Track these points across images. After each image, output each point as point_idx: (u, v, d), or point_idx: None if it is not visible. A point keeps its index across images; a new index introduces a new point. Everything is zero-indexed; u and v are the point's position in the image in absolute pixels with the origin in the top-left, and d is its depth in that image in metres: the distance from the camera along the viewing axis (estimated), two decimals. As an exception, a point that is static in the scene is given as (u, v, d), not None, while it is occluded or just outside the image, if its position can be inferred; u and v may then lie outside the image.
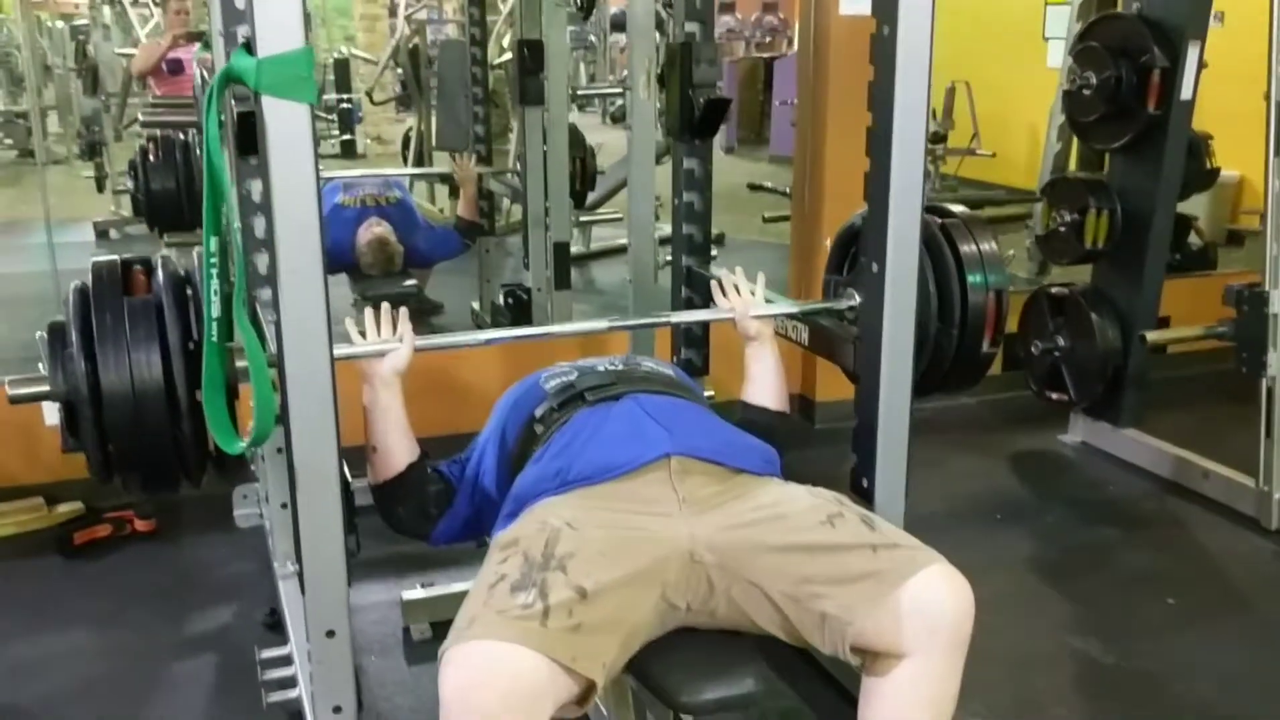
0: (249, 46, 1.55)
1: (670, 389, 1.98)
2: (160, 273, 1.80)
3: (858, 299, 2.08)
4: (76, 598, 2.74)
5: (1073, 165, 4.95)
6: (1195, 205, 4.89)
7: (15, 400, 1.76)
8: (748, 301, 2.18)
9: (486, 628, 1.43)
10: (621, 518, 1.67)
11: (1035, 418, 3.77)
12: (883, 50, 1.88)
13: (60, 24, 9.51)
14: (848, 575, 1.59)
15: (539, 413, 1.91)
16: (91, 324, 1.72)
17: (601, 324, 2.30)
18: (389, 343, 1.89)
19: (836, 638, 1.58)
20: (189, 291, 1.79)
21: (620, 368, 2.02)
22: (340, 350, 1.82)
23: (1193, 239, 4.73)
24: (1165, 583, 2.76)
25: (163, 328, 1.72)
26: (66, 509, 3.08)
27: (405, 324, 1.90)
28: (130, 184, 3.78)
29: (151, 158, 3.64)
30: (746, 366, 2.17)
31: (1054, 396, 3.56)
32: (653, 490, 1.72)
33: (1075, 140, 4.63)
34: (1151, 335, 3.24)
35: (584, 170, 4.28)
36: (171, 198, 3.56)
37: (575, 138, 4.25)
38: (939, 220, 2.18)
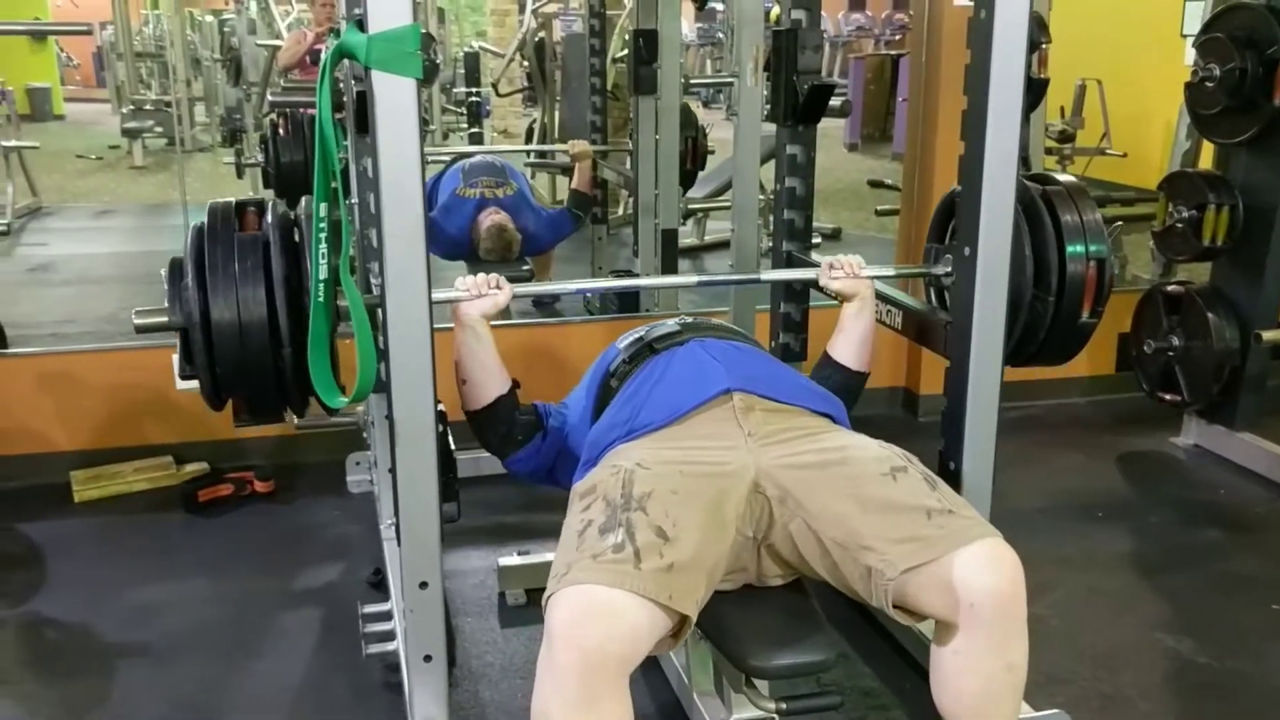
0: (361, 24, 1.65)
1: (737, 338, 2.05)
2: (270, 214, 1.91)
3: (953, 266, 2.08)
4: (197, 550, 2.91)
5: (1206, 164, 4.79)
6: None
7: (140, 330, 1.90)
8: (845, 264, 2.19)
9: (585, 573, 1.51)
10: (689, 454, 1.73)
11: (1147, 419, 3.68)
12: (979, 33, 1.90)
13: (210, 18, 9.96)
14: (897, 535, 1.62)
15: (613, 368, 2.02)
16: (204, 259, 1.84)
17: (691, 279, 2.38)
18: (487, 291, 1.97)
19: (880, 592, 1.61)
20: (295, 233, 1.90)
21: (690, 321, 2.10)
22: (440, 295, 1.90)
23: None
24: (1271, 588, 2.67)
25: (268, 263, 1.83)
26: (193, 468, 3.27)
27: (505, 282, 1.99)
28: (261, 158, 3.94)
29: (281, 132, 3.80)
30: (839, 321, 2.19)
31: (1166, 398, 3.47)
32: (717, 426, 1.79)
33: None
34: (1268, 334, 3.13)
35: (695, 149, 4.33)
36: (299, 170, 3.67)
37: (687, 118, 4.30)
38: (1041, 188, 2.16)
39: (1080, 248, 2.10)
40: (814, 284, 2.26)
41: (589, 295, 4.73)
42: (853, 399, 2.12)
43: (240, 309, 1.81)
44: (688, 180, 4.47)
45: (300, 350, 1.80)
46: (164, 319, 1.87)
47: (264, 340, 1.82)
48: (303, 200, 1.91)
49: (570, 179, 4.55)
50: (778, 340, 2.85)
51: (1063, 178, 2.20)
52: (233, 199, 1.94)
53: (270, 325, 1.82)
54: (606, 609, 1.47)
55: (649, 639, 1.52)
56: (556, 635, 1.47)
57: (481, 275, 1.99)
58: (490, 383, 1.99)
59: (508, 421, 2.02)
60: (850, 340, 2.17)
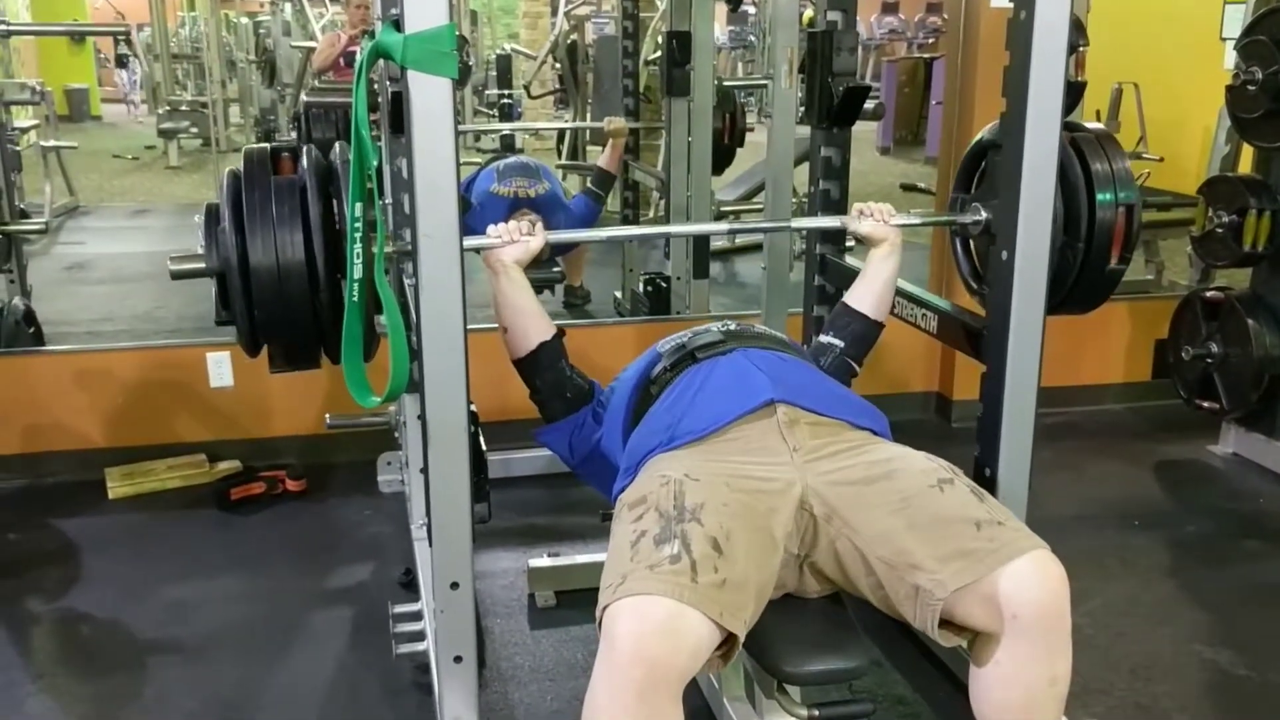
0: (397, 24, 1.65)
1: (781, 348, 2.02)
2: (305, 159, 1.89)
3: (983, 214, 2.06)
4: (229, 548, 2.93)
5: (1245, 169, 4.73)
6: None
7: (176, 275, 1.88)
8: (875, 210, 2.15)
9: (643, 583, 1.47)
10: (736, 467, 1.71)
11: (1184, 426, 3.63)
12: (1019, 34, 1.87)
13: (245, 20, 10.05)
14: (946, 551, 1.58)
15: (653, 374, 1.99)
16: (241, 202, 1.82)
17: (723, 226, 2.37)
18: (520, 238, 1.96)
19: (926, 613, 1.57)
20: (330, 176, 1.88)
21: (733, 328, 2.06)
22: (471, 242, 1.88)
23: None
24: (1313, 600, 2.64)
25: (305, 205, 1.81)
26: (226, 466, 3.29)
27: (539, 229, 1.97)
28: (293, 136, 3.93)
29: (314, 110, 3.79)
30: (864, 269, 2.18)
31: (1205, 405, 3.42)
32: (762, 440, 1.76)
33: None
34: (1309, 342, 3.09)
35: (732, 125, 4.31)
36: (331, 146, 3.70)
37: (725, 94, 4.27)
38: (1070, 135, 2.13)
39: (1110, 195, 2.05)
40: (841, 232, 2.22)
41: (619, 297, 4.75)
42: (866, 351, 2.12)
43: (278, 251, 1.78)
44: (725, 159, 4.44)
45: (337, 291, 1.78)
46: (200, 264, 1.85)
47: (302, 282, 1.79)
48: (336, 146, 1.90)
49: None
50: (809, 344, 2.83)
51: (1091, 125, 2.16)
52: (268, 145, 1.93)
53: (308, 267, 1.79)
54: (672, 622, 1.44)
55: (707, 653, 1.49)
56: (621, 648, 1.43)
57: (514, 222, 1.97)
58: (531, 328, 1.98)
59: (555, 369, 2.01)
60: (873, 287, 2.14)
